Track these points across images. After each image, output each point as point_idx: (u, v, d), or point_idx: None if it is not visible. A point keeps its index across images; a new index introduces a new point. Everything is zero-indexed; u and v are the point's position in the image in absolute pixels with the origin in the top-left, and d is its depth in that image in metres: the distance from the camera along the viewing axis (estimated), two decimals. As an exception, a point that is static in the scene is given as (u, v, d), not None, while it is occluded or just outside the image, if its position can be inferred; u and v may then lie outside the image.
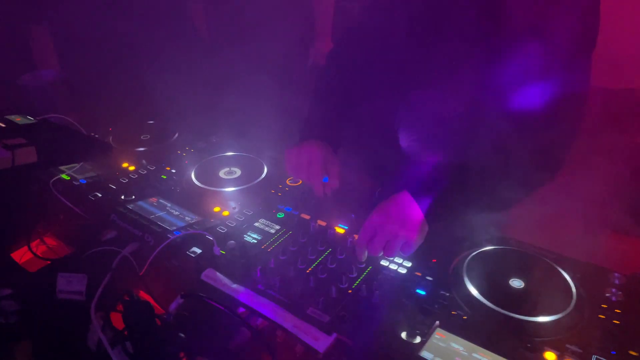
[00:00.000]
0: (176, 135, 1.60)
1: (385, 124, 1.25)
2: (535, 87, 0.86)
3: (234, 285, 0.96)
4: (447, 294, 0.93)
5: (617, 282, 0.96)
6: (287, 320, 0.88)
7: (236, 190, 1.28)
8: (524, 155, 0.89)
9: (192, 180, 1.33)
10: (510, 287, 0.94)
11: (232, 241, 1.08)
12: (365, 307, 0.91)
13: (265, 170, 1.37)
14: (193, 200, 1.25)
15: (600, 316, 0.88)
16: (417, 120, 1.15)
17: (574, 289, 0.93)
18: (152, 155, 1.48)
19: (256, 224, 1.16)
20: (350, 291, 0.95)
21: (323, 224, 1.15)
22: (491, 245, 1.06)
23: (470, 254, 1.02)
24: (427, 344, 0.82)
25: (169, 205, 1.23)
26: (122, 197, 1.24)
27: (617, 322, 0.87)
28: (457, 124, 1.02)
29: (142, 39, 1.78)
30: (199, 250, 1.06)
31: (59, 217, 1.27)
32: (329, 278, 0.98)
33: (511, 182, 0.93)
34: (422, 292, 0.94)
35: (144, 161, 1.44)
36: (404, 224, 0.93)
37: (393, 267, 1.01)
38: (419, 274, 0.99)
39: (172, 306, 0.80)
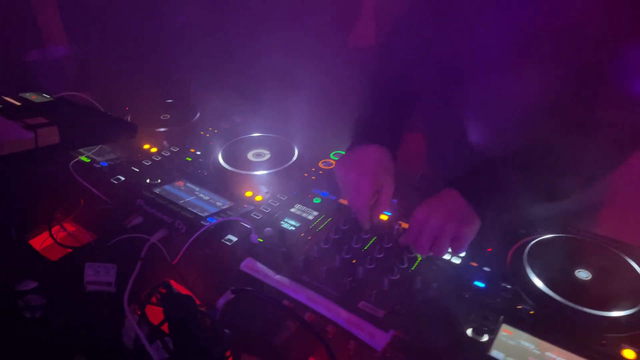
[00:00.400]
0: (197, 115, 1.51)
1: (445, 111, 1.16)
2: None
3: (277, 277, 0.89)
4: (509, 286, 0.86)
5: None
6: (339, 315, 0.81)
7: (268, 173, 1.20)
8: (602, 136, 0.81)
9: (219, 162, 1.25)
10: (576, 279, 0.87)
11: (269, 228, 1.01)
12: (422, 301, 0.84)
13: (296, 152, 1.29)
14: (222, 184, 1.17)
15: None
16: (475, 99, 1.06)
17: (648, 281, 0.86)
18: (174, 137, 1.39)
19: (292, 210, 1.09)
20: (402, 283, 0.88)
21: (365, 209, 1.07)
22: (550, 233, 0.98)
23: (529, 242, 0.95)
24: (496, 342, 0.75)
25: (197, 189, 1.15)
26: (148, 180, 1.16)
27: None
28: (523, 104, 0.93)
29: (158, 10, 1.68)
30: (234, 238, 0.99)
31: (80, 201, 1.20)
32: (378, 269, 0.91)
33: (581, 168, 0.85)
34: (481, 285, 0.87)
35: (165, 142, 1.36)
36: (450, 219, 0.84)
37: (446, 256, 0.94)
38: (474, 264, 0.92)
39: (221, 301, 0.73)
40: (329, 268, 0.89)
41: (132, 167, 1.23)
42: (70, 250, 1.08)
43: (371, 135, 1.00)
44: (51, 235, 1.09)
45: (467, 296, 0.83)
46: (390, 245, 0.97)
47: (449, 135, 1.19)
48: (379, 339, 0.77)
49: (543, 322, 0.79)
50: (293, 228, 1.03)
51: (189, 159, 1.29)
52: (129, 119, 1.46)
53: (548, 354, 0.74)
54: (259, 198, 1.12)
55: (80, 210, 1.20)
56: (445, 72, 1.06)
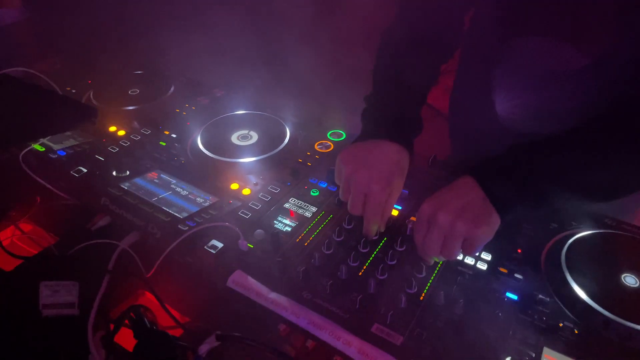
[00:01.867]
0: (172, 89, 1.31)
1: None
2: None
3: (272, 295, 0.74)
4: (547, 299, 0.73)
5: None
6: (349, 344, 0.67)
7: (256, 160, 1.03)
8: None
9: (199, 147, 1.07)
10: (625, 287, 0.74)
11: (260, 230, 0.85)
12: (447, 321, 0.70)
13: (288, 133, 1.12)
14: (203, 174, 1.01)
15: None
16: (522, 78, 0.89)
17: None
18: (145, 115, 1.20)
19: (287, 205, 0.93)
20: (422, 298, 0.74)
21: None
22: (587, 229, 0.85)
23: (565, 241, 0.81)
24: (540, 375, 0.63)
25: (173, 181, 0.98)
26: (114, 172, 0.98)
27: None
28: (579, 82, 0.77)
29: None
30: (219, 244, 0.83)
31: (35, 199, 1.02)
32: (392, 280, 0.77)
33: (627, 170, 0.71)
34: (514, 297, 0.74)
35: (135, 123, 1.17)
36: (462, 216, 0.68)
37: (469, 261, 0.80)
38: (504, 270, 0.79)
39: (203, 349, 0.59)
40: (333, 282, 0.75)
41: (96, 156, 1.05)
42: (24, 259, 0.92)
43: (390, 130, 0.83)
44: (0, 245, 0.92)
45: (500, 314, 0.70)
46: (403, 248, 0.83)
47: (475, 112, 1.03)
48: (398, 373, 0.64)
49: (590, 344, 0.67)
50: (288, 229, 0.87)
51: (163, 144, 1.11)
52: (91, 95, 1.26)
53: (602, 387, 0.62)
54: (246, 191, 0.96)
55: (36, 209, 1.03)
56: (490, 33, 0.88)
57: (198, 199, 0.94)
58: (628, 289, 0.74)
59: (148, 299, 0.92)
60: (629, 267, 0.76)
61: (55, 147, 1.05)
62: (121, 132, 1.14)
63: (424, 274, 0.78)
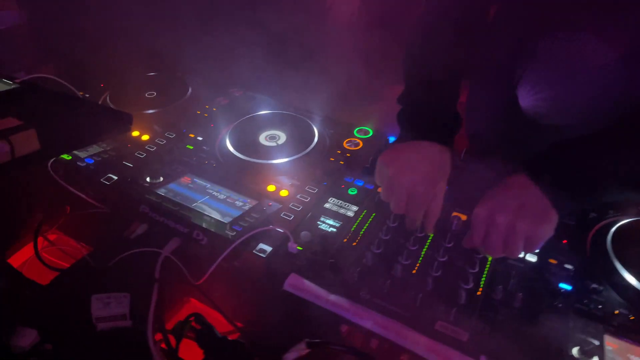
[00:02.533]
0: (189, 90, 1.29)
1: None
2: None
3: (332, 297, 0.74)
4: (600, 287, 0.75)
5: None
6: (416, 342, 0.68)
7: (288, 161, 1.03)
8: None
9: (228, 149, 1.06)
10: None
11: (306, 232, 0.85)
12: (508, 314, 0.71)
13: (316, 132, 1.12)
14: (236, 176, 1.00)
15: None
16: (548, 72, 0.90)
17: None
18: (165, 119, 1.18)
19: (327, 206, 0.93)
20: (479, 292, 0.75)
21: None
22: (629, 217, 0.87)
23: (609, 229, 0.83)
24: (606, 362, 0.65)
25: (208, 185, 0.97)
26: (148, 179, 0.96)
27: None
28: (607, 76, 0.79)
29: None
30: (268, 248, 0.83)
31: (64, 209, 1.00)
32: (446, 276, 0.78)
33: None
34: (568, 287, 0.76)
35: (156, 127, 1.15)
36: (522, 215, 0.68)
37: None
38: (553, 261, 0.80)
39: (290, 357, 0.59)
40: (392, 281, 0.75)
41: (124, 162, 1.03)
42: (60, 271, 0.90)
43: (430, 130, 0.82)
44: (38, 256, 0.90)
45: (560, 305, 0.72)
46: (451, 244, 0.83)
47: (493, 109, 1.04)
48: (469, 368, 0.65)
49: (647, 328, 0.69)
50: (334, 229, 0.87)
51: (190, 147, 1.09)
52: (107, 99, 1.23)
53: (666, 371, 0.64)
54: (284, 193, 0.96)
55: (66, 219, 1.01)
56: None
57: (237, 202, 0.93)
58: (674, 273, 0.76)
59: (195, 306, 0.91)
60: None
61: (82, 155, 1.03)
62: (145, 137, 1.12)
63: (477, 269, 0.79)
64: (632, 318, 0.71)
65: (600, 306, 0.73)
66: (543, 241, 0.69)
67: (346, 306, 0.72)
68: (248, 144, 1.08)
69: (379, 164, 0.82)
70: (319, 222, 0.89)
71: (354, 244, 0.84)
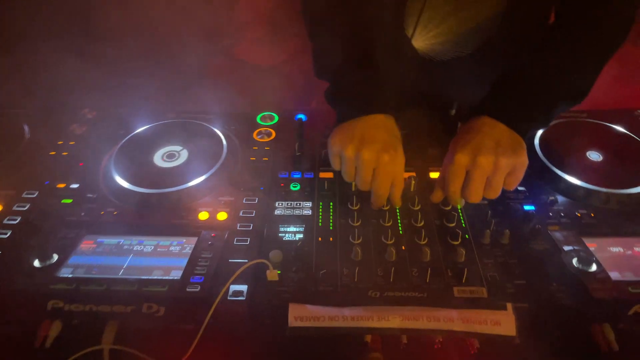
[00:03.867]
0: (26, 129, 0.97)
1: None
2: None
3: (347, 311, 0.65)
4: (553, 197, 0.81)
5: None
6: (450, 319, 0.64)
7: (205, 178, 0.86)
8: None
9: (122, 187, 0.84)
10: (591, 161, 0.87)
11: (274, 250, 0.73)
12: (503, 253, 0.73)
13: (220, 134, 0.95)
14: (151, 217, 0.80)
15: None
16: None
17: None
18: (9, 176, 0.88)
19: (278, 213, 0.81)
20: (471, 245, 0.75)
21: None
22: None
23: (534, 138, 0.90)
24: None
25: (122, 241, 0.75)
26: (37, 263, 0.70)
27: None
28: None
29: None
30: (242, 287, 0.69)
31: None
32: (432, 240, 0.76)
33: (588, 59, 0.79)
34: (532, 207, 0.81)
35: (3, 192, 0.85)
36: (501, 151, 0.70)
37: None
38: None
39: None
40: (389, 266, 0.70)
41: (-16, 253, 0.73)
42: None
43: (373, 104, 0.76)
44: None
45: (538, 226, 0.75)
46: (420, 207, 0.81)
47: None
48: (506, 323, 0.64)
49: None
50: (300, 235, 0.77)
51: (68, 201, 0.83)
52: None
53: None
54: (222, 216, 0.80)
55: None
56: None
57: (172, 248, 0.74)
58: (594, 162, 0.87)
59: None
60: (591, 145, 0.90)
61: None
62: (-5, 208, 0.81)
63: (455, 222, 0.78)
64: (592, 215, 0.79)
65: (562, 214, 0.79)
66: (524, 171, 0.71)
67: (365, 315, 0.65)
68: (143, 172, 0.87)
69: (333, 148, 0.74)
70: (280, 234, 0.77)
71: (331, 239, 0.76)
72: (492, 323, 0.64)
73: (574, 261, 0.69)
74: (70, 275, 0.69)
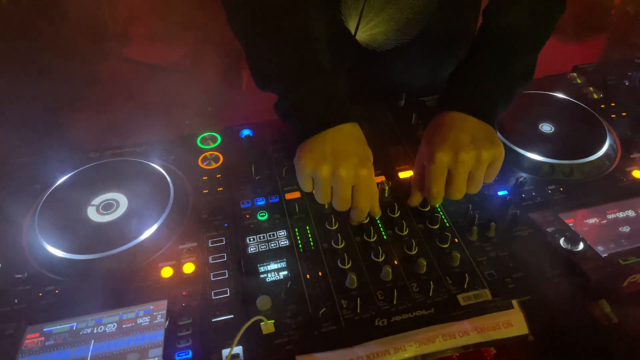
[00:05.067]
0: None
1: None
2: None
3: (358, 350, 0.60)
4: (522, 176, 0.81)
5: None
6: (465, 332, 0.62)
7: (159, 226, 0.74)
8: None
9: (61, 258, 0.70)
10: (543, 133, 0.89)
11: (261, 296, 0.65)
12: (492, 248, 0.72)
13: (161, 169, 0.83)
14: (102, 288, 0.67)
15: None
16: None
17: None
18: None
19: (252, 250, 0.72)
20: (461, 245, 0.72)
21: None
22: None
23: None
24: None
25: (75, 325, 0.63)
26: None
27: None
28: None
29: None
30: (237, 350, 0.60)
31: None
32: (421, 248, 0.72)
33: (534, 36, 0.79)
34: (505, 192, 0.80)
35: None
36: (479, 144, 0.69)
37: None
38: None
39: None
40: (388, 287, 0.65)
41: None
42: None
43: (335, 115, 0.70)
44: None
45: (518, 212, 0.75)
46: (398, 213, 0.77)
47: None
48: (517, 321, 0.63)
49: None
50: (284, 272, 0.69)
51: (-10, 289, 0.67)
52: None
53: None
54: (189, 268, 0.70)
55: None
56: None
57: (140, 320, 0.63)
58: (548, 135, 0.89)
59: None
60: (542, 118, 0.91)
61: None
62: None
63: (438, 224, 0.75)
64: (561, 189, 0.80)
65: (533, 194, 0.80)
66: (502, 160, 0.70)
67: (381, 350, 0.60)
68: (78, 233, 0.73)
69: (304, 170, 0.68)
70: (262, 275, 0.69)
71: (320, 274, 0.69)
72: (504, 326, 0.63)
73: (562, 242, 0.70)
74: (21, 388, 0.56)
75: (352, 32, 0.93)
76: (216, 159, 0.87)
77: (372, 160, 0.70)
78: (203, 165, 0.86)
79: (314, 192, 0.72)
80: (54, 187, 0.80)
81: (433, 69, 1.01)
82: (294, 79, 0.70)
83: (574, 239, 0.69)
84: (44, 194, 0.79)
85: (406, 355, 0.60)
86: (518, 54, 0.76)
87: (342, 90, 0.72)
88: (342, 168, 0.65)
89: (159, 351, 0.59)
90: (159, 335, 0.61)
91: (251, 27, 0.74)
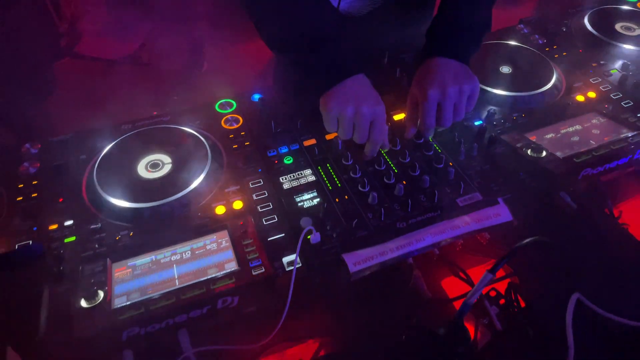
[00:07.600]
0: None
1: None
2: None
3: (390, 244, 0.77)
4: (492, 109, 1.00)
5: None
6: (466, 223, 0.80)
7: (204, 178, 0.87)
8: None
9: (128, 208, 0.82)
10: (502, 73, 1.08)
11: (304, 218, 0.81)
12: (482, 159, 0.91)
13: (195, 132, 0.96)
14: (167, 227, 0.81)
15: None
16: None
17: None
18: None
19: (286, 186, 0.87)
20: (451, 164, 0.90)
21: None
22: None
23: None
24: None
25: (154, 257, 0.76)
26: (83, 303, 0.68)
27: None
28: None
29: None
30: (292, 256, 0.76)
31: None
32: (422, 168, 0.90)
33: None
34: (480, 122, 0.99)
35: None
36: (461, 80, 0.86)
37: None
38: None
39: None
40: (402, 200, 0.83)
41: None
42: None
43: (351, 68, 0.85)
44: None
45: (493, 134, 0.93)
46: (400, 146, 0.94)
47: None
48: (503, 212, 0.82)
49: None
50: (318, 199, 0.85)
51: (72, 239, 0.79)
52: None
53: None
54: (238, 205, 0.84)
55: None
56: None
57: (209, 247, 0.77)
58: (508, 75, 1.08)
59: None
60: (502, 62, 1.10)
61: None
62: None
63: (432, 151, 0.93)
64: (523, 115, 0.99)
65: (502, 121, 0.99)
66: (478, 92, 0.88)
67: (406, 241, 0.77)
68: (136, 188, 0.85)
69: (331, 112, 0.82)
70: (299, 203, 0.84)
71: (346, 197, 0.85)
72: (494, 216, 0.81)
73: (529, 152, 0.89)
74: (128, 303, 0.69)
75: (336, 4, 1.08)
76: (237, 120, 1.01)
77: (382, 105, 0.85)
78: (226, 126, 0.99)
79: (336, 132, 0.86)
80: (102, 154, 0.91)
81: (408, 27, 1.18)
82: (316, 41, 0.84)
83: (538, 149, 0.89)
84: (95, 159, 0.90)
85: (423, 245, 0.77)
86: (481, 6, 0.93)
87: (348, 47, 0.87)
88: (364, 107, 0.81)
89: (233, 264, 0.74)
90: (229, 254, 0.75)
91: (264, 12, 0.87)
